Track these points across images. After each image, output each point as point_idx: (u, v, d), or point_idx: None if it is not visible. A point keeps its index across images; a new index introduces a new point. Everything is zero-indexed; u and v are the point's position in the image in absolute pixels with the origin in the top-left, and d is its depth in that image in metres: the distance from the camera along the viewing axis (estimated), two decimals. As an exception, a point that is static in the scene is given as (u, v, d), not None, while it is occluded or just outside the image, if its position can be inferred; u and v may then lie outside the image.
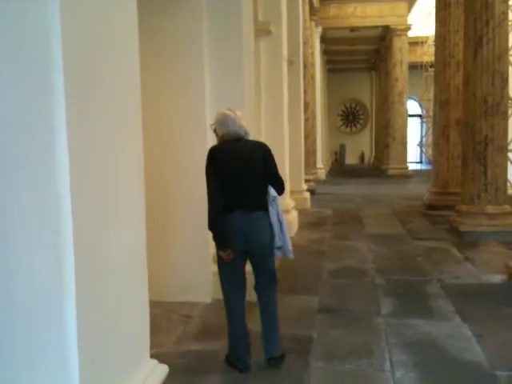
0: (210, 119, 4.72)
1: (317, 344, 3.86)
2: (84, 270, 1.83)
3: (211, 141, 4.72)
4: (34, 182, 1.76)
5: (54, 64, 1.71)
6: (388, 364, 3.50)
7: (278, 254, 3.53)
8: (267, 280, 3.54)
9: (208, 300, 4.77)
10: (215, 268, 4.73)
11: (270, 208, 3.42)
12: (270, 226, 3.40)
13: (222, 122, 3.40)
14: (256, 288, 3.56)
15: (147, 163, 2.51)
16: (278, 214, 3.43)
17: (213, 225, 3.29)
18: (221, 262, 3.41)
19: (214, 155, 3.35)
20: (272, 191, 3.44)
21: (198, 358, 3.64)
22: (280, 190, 3.47)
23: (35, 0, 1.70)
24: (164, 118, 4.66)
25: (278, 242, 3.43)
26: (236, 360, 3.47)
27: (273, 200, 3.42)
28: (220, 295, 4.57)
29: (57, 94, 1.72)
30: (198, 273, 4.77)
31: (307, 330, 4.13)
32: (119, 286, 2.16)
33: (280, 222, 3.44)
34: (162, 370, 2.58)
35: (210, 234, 4.64)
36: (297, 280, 5.53)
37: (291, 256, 3.56)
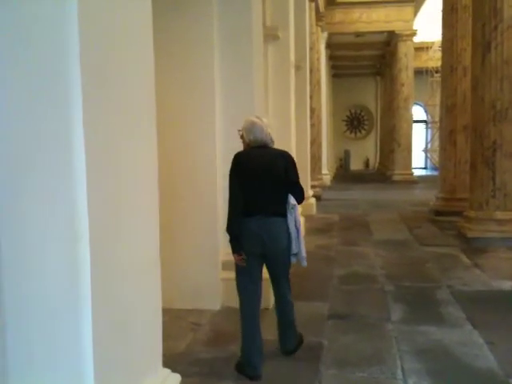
0: (219, 120, 4.72)
1: (327, 351, 3.83)
2: (99, 275, 1.81)
3: (220, 142, 4.73)
4: (49, 185, 1.75)
5: (71, 63, 1.70)
6: (400, 372, 3.47)
7: (293, 260, 3.64)
8: (282, 286, 3.70)
9: (217, 307, 4.74)
10: (224, 275, 4.76)
11: (289, 215, 3.51)
12: (288, 232, 3.50)
13: (249, 129, 3.54)
14: (275, 295, 3.76)
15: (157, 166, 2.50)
16: (295, 222, 3.52)
17: (229, 227, 3.43)
18: (238, 267, 3.51)
19: (238, 160, 3.49)
20: (292, 199, 3.53)
21: (208, 365, 3.61)
22: (300, 198, 3.57)
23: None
24: (173, 118, 4.63)
25: (294, 249, 3.54)
26: (247, 365, 3.47)
27: (292, 208, 3.52)
28: (229, 302, 4.66)
29: (74, 93, 1.70)
30: (207, 280, 4.75)
31: (317, 337, 4.10)
32: (133, 292, 2.14)
33: (297, 229, 3.54)
34: (175, 379, 2.55)
35: (219, 241, 4.72)
36: (306, 286, 5.49)
37: (305, 263, 3.66)
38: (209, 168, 4.73)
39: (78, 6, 1.68)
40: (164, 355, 2.57)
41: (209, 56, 4.65)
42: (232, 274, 4.74)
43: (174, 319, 4.42)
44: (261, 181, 3.44)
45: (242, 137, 3.61)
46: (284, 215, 3.51)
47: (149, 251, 2.29)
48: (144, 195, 2.25)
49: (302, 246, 3.59)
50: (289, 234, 3.51)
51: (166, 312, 4.32)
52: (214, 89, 4.67)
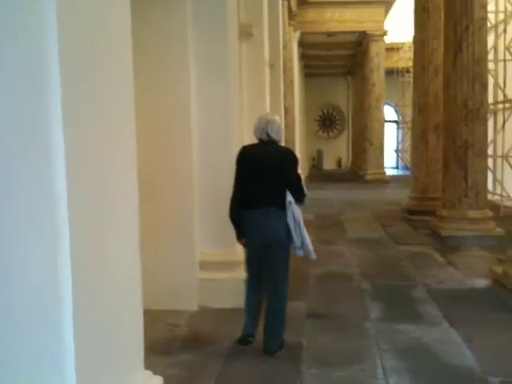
0: (194, 117, 4.65)
1: (307, 350, 3.81)
2: (80, 277, 1.75)
3: (196, 140, 4.67)
4: (28, 186, 1.67)
5: (50, 62, 1.63)
6: (380, 370, 3.46)
7: (299, 253, 3.83)
8: (274, 275, 3.80)
9: (195, 308, 4.67)
10: (202, 275, 4.71)
11: (287, 210, 3.65)
12: (287, 225, 3.66)
13: (255, 126, 3.81)
14: (265, 284, 3.85)
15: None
16: (293, 216, 3.65)
17: (230, 215, 3.82)
18: (246, 254, 3.92)
19: (239, 154, 3.84)
20: (289, 196, 3.65)
21: (187, 367, 3.54)
22: (298, 196, 3.70)
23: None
24: (148, 116, 4.54)
25: (296, 241, 3.70)
26: (242, 333, 3.89)
27: (289, 203, 3.65)
28: (207, 303, 4.71)
29: (53, 92, 1.63)
30: (185, 280, 4.68)
31: (296, 337, 4.06)
32: (114, 293, 2.07)
33: (297, 224, 3.67)
34: (157, 381, 2.49)
35: (196, 241, 4.68)
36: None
37: (313, 256, 3.83)
38: (185, 167, 4.66)
39: (56, 7, 1.62)
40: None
41: (183, 53, 4.58)
42: (209, 274, 4.72)
43: (151, 320, 4.31)
44: (254, 175, 3.69)
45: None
46: (280, 207, 3.64)
47: (129, 252, 2.22)
48: (124, 195, 2.18)
49: (306, 240, 3.72)
50: (285, 226, 3.65)
51: (143, 313, 4.24)
52: (189, 86, 4.60)
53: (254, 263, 3.85)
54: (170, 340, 4.05)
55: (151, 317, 4.40)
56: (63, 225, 1.66)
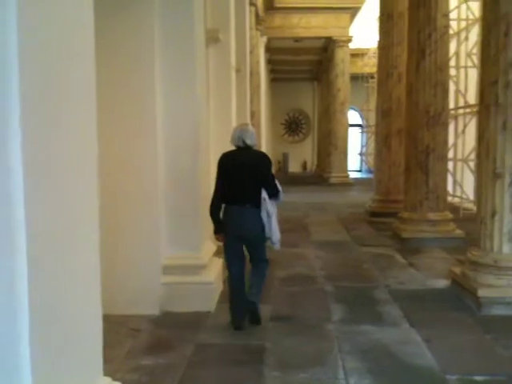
0: (161, 122, 4.63)
1: (270, 353, 3.83)
2: (37, 286, 1.72)
3: (162, 144, 4.65)
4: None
5: (10, 69, 1.61)
6: (342, 372, 3.51)
7: (271, 244, 4.33)
8: (257, 262, 4.40)
9: (156, 312, 4.64)
10: (165, 279, 4.68)
11: (262, 206, 4.18)
12: (260, 219, 4.18)
13: (232, 134, 4.38)
14: (252, 265, 4.42)
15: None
16: (266, 211, 4.17)
17: (211, 213, 4.30)
18: (224, 245, 4.35)
19: (220, 160, 4.35)
20: (264, 193, 4.19)
21: (149, 372, 3.52)
22: (272, 193, 4.25)
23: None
24: (115, 121, 4.51)
25: (267, 233, 4.22)
26: (232, 321, 4.33)
27: (263, 200, 4.18)
28: (170, 307, 4.67)
29: (12, 97, 1.61)
30: (146, 285, 4.64)
31: (260, 340, 4.09)
32: (72, 300, 2.04)
33: (270, 218, 4.18)
34: (117, 387, 2.47)
35: (160, 245, 4.65)
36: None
37: (277, 247, 4.34)
38: (149, 171, 4.63)
39: (17, 13, 1.60)
40: (103, 363, 2.48)
41: (150, 58, 4.55)
42: (172, 279, 4.70)
43: (113, 325, 4.27)
44: (235, 177, 4.19)
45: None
46: (258, 205, 4.17)
47: (89, 257, 2.19)
48: (83, 201, 2.15)
49: (274, 231, 4.22)
50: (261, 221, 4.18)
51: (105, 318, 4.14)
52: (155, 91, 4.58)
53: (234, 245, 4.30)
54: (131, 345, 4.01)
55: (114, 322, 4.35)
56: (20, 231, 1.63)
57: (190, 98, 4.75)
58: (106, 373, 2.57)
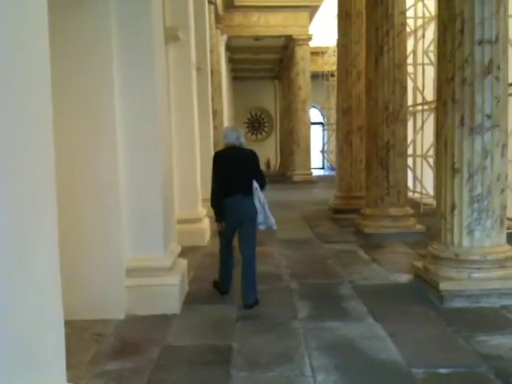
0: (120, 123, 4.55)
1: (237, 353, 3.81)
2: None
3: (121, 144, 4.57)
4: None
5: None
6: (309, 369, 3.52)
7: (262, 227, 5.02)
8: (248, 243, 4.97)
9: (122, 316, 4.56)
10: (129, 282, 4.61)
11: (254, 195, 4.87)
12: (254, 206, 4.86)
13: (224, 134, 5.06)
14: (240, 248, 5.00)
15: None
16: (259, 199, 4.88)
17: (213, 203, 4.94)
18: (219, 231, 5.07)
19: (216, 157, 5.03)
20: (255, 184, 4.89)
21: (115, 377, 3.45)
22: (262, 183, 4.97)
23: None
24: (72, 124, 4.41)
25: (260, 218, 4.92)
26: (221, 286, 5.22)
27: (256, 189, 4.88)
28: (134, 311, 4.61)
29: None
30: (111, 288, 4.55)
31: (227, 340, 4.07)
32: (32, 308, 1.97)
33: (262, 205, 4.90)
34: (80, 394, 2.41)
35: (123, 247, 4.57)
36: (213, 289, 5.44)
37: (274, 227, 5.09)
38: (110, 170, 4.54)
39: None
40: (67, 369, 2.41)
41: (107, 57, 4.46)
42: (137, 281, 4.63)
43: (76, 331, 4.18)
44: (231, 171, 4.86)
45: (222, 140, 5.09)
46: (251, 194, 4.86)
47: (47, 261, 2.12)
48: (41, 204, 2.08)
49: (269, 215, 4.95)
50: (255, 208, 4.85)
51: (68, 324, 4.05)
52: (114, 88, 4.48)
53: (230, 234, 5.02)
54: (96, 350, 3.92)
55: (77, 327, 4.27)
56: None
57: (150, 95, 4.68)
58: (70, 379, 2.51)
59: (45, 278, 2.11)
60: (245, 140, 5.08)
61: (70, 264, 4.35)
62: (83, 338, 4.12)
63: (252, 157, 5.02)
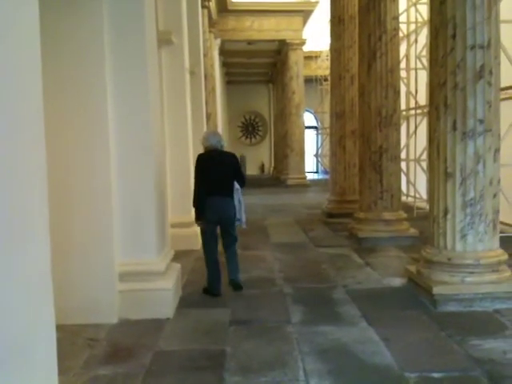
0: (113, 124, 4.54)
1: (231, 358, 3.80)
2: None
3: (114, 147, 4.57)
4: None
5: None
6: (302, 373, 3.52)
7: (238, 223, 5.53)
8: (230, 239, 5.53)
9: (114, 320, 4.54)
10: (122, 287, 4.59)
11: (235, 195, 5.36)
12: (234, 206, 5.36)
13: (206, 138, 5.47)
14: (223, 245, 5.55)
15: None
16: (239, 199, 5.41)
17: (195, 204, 5.30)
18: (202, 230, 5.43)
19: (200, 159, 5.37)
20: (236, 185, 5.38)
21: (107, 382, 3.43)
22: (242, 184, 5.45)
23: None
24: (65, 125, 4.40)
25: (238, 216, 5.43)
26: (211, 288, 5.36)
27: (236, 190, 5.37)
28: (127, 315, 4.57)
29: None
30: (103, 292, 4.53)
31: (220, 345, 4.05)
32: (23, 312, 1.96)
33: (240, 205, 5.43)
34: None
35: (115, 252, 4.55)
36: (205, 295, 5.43)
37: (244, 226, 5.63)
38: (102, 174, 4.53)
39: None
40: (59, 374, 2.40)
41: (99, 60, 4.45)
42: (130, 286, 4.61)
43: (69, 335, 4.16)
44: (214, 173, 5.22)
45: (203, 143, 5.49)
46: (232, 195, 5.33)
47: (38, 265, 2.11)
48: (32, 205, 2.07)
49: (243, 214, 5.48)
50: (234, 207, 5.35)
51: (60, 328, 4.02)
52: (106, 91, 4.48)
53: (211, 229, 5.39)
54: (88, 355, 3.90)
55: (70, 332, 4.25)
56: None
57: (143, 99, 4.68)
58: (61, 386, 2.49)
59: (36, 281, 2.09)
60: (225, 143, 5.60)
61: (62, 268, 4.34)
62: (75, 343, 4.10)
63: (233, 159, 5.47)
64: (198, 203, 5.24)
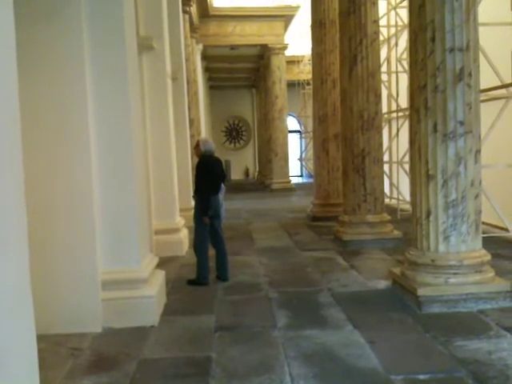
0: (94, 135, 4.50)
1: (216, 364, 3.77)
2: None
3: (96, 156, 4.53)
4: None
5: None
6: (288, 378, 3.50)
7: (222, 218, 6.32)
8: (220, 236, 6.28)
9: (98, 330, 4.48)
10: (105, 295, 4.53)
11: (220, 194, 6.13)
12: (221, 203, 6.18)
13: (208, 142, 6.26)
14: (215, 242, 6.24)
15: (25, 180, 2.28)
16: (223, 197, 6.25)
17: (204, 200, 5.95)
18: (198, 222, 6.07)
19: (208, 160, 6.08)
20: (222, 184, 6.18)
21: (90, 393, 3.39)
22: (225, 185, 6.27)
23: None
24: (43, 137, 4.35)
25: (222, 212, 6.27)
26: (203, 278, 6.02)
27: (222, 189, 6.15)
28: (111, 323, 4.52)
29: None
30: (87, 301, 4.48)
31: (205, 351, 4.02)
32: (0, 319, 1.92)
33: (222, 202, 6.25)
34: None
35: (98, 260, 4.50)
36: (191, 299, 5.40)
37: (224, 220, 6.42)
38: (83, 180, 4.48)
39: None
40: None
41: (79, 70, 4.41)
42: (113, 294, 4.56)
43: (52, 346, 4.10)
44: (216, 174, 6.07)
45: (195, 147, 6.29)
46: (219, 194, 6.12)
47: (17, 274, 2.07)
48: (10, 214, 2.04)
49: (223, 210, 6.32)
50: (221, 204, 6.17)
51: (43, 339, 4.01)
52: (86, 98, 4.43)
53: (210, 225, 6.12)
54: (72, 365, 3.84)
55: (53, 342, 4.20)
56: None
57: (123, 105, 4.64)
58: (44, 397, 2.45)
59: (14, 291, 2.06)
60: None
61: (44, 278, 4.29)
62: (59, 353, 4.04)
63: (222, 163, 6.41)
64: (206, 200, 5.92)
